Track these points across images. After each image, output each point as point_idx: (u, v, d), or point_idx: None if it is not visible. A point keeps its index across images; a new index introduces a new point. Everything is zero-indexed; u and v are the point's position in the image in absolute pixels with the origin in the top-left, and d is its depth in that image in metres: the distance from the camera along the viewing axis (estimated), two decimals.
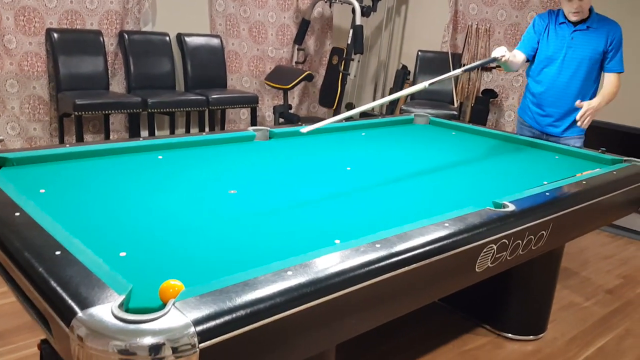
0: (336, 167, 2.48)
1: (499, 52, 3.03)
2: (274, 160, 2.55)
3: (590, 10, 3.11)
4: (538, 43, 3.27)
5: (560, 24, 3.17)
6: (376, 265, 1.46)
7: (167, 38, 5.05)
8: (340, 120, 2.74)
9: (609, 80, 3.12)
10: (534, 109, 3.36)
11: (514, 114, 5.59)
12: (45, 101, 4.57)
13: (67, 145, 2.30)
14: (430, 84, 2.80)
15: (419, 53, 5.83)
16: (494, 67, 5.57)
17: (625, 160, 2.83)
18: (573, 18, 3.09)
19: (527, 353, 2.59)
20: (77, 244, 1.42)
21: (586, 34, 3.12)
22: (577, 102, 2.99)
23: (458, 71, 3.00)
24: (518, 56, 3.26)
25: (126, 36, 4.81)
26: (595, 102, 3.00)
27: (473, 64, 3.12)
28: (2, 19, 4.24)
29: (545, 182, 2.38)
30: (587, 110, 2.93)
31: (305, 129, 2.41)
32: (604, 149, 2.99)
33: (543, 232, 2.09)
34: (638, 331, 2.88)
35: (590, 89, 3.17)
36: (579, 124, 2.97)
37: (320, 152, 2.75)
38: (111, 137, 4.83)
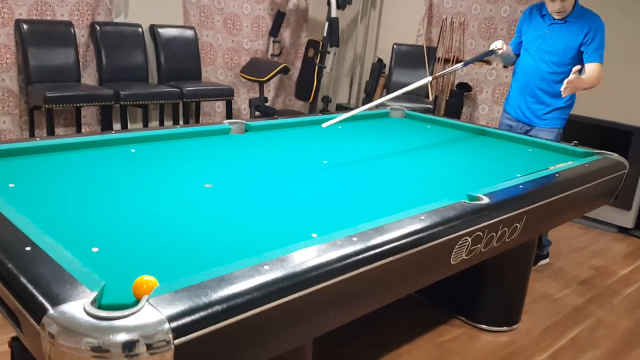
0: (313, 161, 2.47)
1: (497, 45, 3.19)
2: (250, 153, 2.53)
3: (575, 4, 3.13)
4: (521, 37, 3.35)
5: (543, 16, 3.22)
6: (353, 259, 1.46)
7: (140, 29, 4.97)
8: (373, 108, 2.87)
9: (590, 68, 3.11)
10: (514, 98, 3.41)
11: (487, 107, 5.64)
12: (14, 94, 4.47)
13: (38, 139, 2.25)
14: (434, 77, 2.98)
15: (395, 46, 5.84)
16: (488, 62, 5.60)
17: (597, 153, 2.88)
18: (557, 17, 3.14)
19: (501, 344, 2.63)
20: (48, 240, 1.38)
21: (563, 27, 3.16)
22: (574, 69, 2.93)
23: (459, 65, 3.09)
24: (511, 51, 3.37)
25: (98, 27, 4.72)
26: (583, 77, 3.03)
27: (472, 57, 3.22)
28: None
29: (519, 175, 2.40)
30: (571, 81, 2.92)
31: (325, 123, 2.59)
32: (576, 142, 3.03)
33: (517, 224, 2.12)
34: (610, 321, 2.93)
35: (562, 82, 3.19)
36: (562, 88, 2.97)
37: (296, 146, 2.74)
38: (83, 130, 4.74)
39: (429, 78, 3.01)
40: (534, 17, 3.27)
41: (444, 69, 5.75)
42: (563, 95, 3.00)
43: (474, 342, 2.62)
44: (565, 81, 2.94)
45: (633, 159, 3.70)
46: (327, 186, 2.15)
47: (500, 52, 3.21)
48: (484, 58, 3.32)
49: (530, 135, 3.24)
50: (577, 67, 2.93)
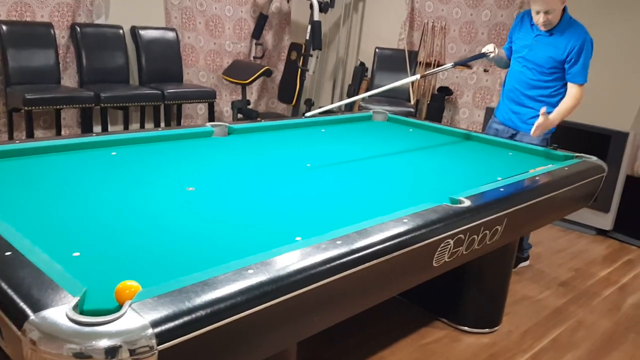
0: (296, 164, 2.47)
1: (488, 48, 3.23)
2: (233, 156, 2.52)
3: (564, 15, 3.08)
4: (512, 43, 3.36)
5: (531, 25, 3.19)
6: (337, 262, 1.46)
7: (121, 31, 4.93)
8: (358, 101, 3.05)
9: (568, 92, 3.11)
10: (502, 102, 3.43)
11: (468, 110, 5.69)
12: None
13: (17, 142, 2.22)
14: (423, 76, 3.06)
15: (377, 50, 5.87)
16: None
17: (576, 157, 2.92)
18: (543, 29, 3.11)
19: (482, 346, 2.65)
20: (28, 245, 1.37)
21: (547, 40, 3.12)
22: (542, 110, 2.98)
23: (448, 65, 3.12)
24: (504, 54, 3.38)
25: (78, 29, 4.67)
26: (551, 117, 3.03)
27: (464, 59, 3.25)
28: None
29: (500, 178, 2.42)
30: (541, 123, 2.97)
31: (309, 113, 2.76)
32: (556, 145, 3.07)
33: (498, 227, 2.14)
34: (590, 322, 2.97)
35: (548, 96, 3.18)
36: (531, 131, 3.03)
37: (280, 149, 2.74)
38: (63, 132, 4.69)
39: (417, 76, 3.06)
40: (524, 24, 3.25)
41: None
42: (533, 136, 3.04)
43: (456, 344, 2.64)
44: (534, 125, 2.99)
45: (611, 162, 3.76)
46: (311, 189, 2.15)
47: (492, 55, 3.24)
48: (475, 60, 3.36)
49: (516, 140, 3.26)
50: (544, 108, 2.96)
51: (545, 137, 3.25)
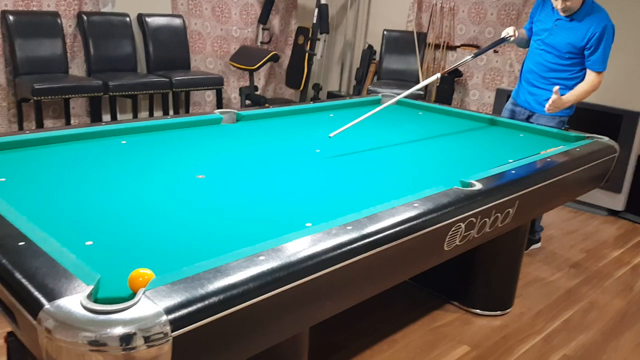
0: (305, 150, 2.47)
1: (508, 32, 3.19)
2: (242, 143, 2.52)
3: (586, 0, 3.02)
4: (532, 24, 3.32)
5: (552, 9, 3.13)
6: (348, 247, 1.47)
7: (128, 19, 4.92)
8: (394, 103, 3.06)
9: (586, 77, 3.08)
10: (519, 83, 3.39)
11: (478, 92, 5.65)
12: (2, 86, 4.42)
13: (27, 132, 2.23)
14: (443, 74, 3.15)
15: (385, 32, 5.82)
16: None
17: (588, 137, 2.89)
18: (563, 14, 3.05)
19: (494, 328, 2.65)
20: (42, 234, 1.38)
21: (567, 26, 3.07)
22: (555, 88, 2.97)
23: (468, 58, 3.12)
24: (525, 34, 3.34)
25: (85, 17, 4.66)
26: (565, 97, 3.02)
27: (483, 48, 3.25)
28: None
29: (511, 160, 2.41)
30: (554, 101, 2.96)
31: (333, 133, 2.59)
32: (567, 126, 3.04)
33: (509, 209, 2.13)
34: (601, 303, 2.97)
35: (565, 79, 3.14)
36: (545, 107, 3.02)
37: (288, 135, 2.73)
38: (72, 122, 4.71)
39: (438, 75, 3.03)
40: (545, 7, 3.20)
41: (436, 55, 5.75)
42: (547, 111, 3.03)
43: (468, 327, 2.64)
44: (549, 101, 2.98)
45: (623, 142, 3.73)
46: (320, 175, 2.15)
47: (512, 39, 3.20)
48: (496, 46, 3.34)
49: (531, 122, 3.23)
50: (556, 87, 2.94)
51: (562, 119, 3.22)
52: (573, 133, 2.94)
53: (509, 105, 3.45)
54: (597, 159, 2.69)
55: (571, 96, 3.06)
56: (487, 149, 2.74)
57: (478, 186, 1.99)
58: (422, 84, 3.04)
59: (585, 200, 4.28)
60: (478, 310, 2.75)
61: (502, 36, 3.22)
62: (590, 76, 3.07)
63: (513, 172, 2.22)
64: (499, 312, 2.77)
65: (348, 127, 2.62)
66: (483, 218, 1.98)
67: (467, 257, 2.40)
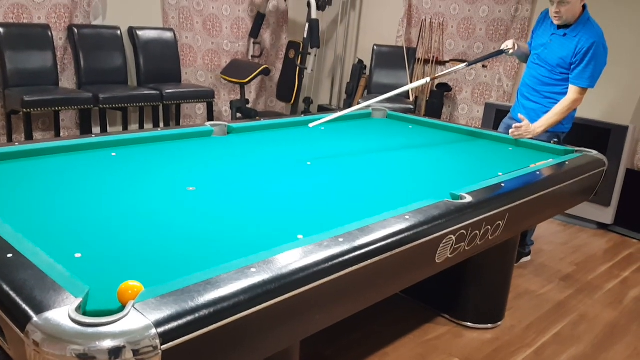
0: (296, 162, 2.47)
1: (507, 45, 3.22)
2: (233, 155, 2.52)
3: (582, 15, 3.03)
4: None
5: (551, 23, 3.16)
6: (340, 259, 1.46)
7: (119, 32, 4.92)
8: (363, 108, 3.23)
9: (567, 94, 3.07)
10: (518, 99, 3.41)
11: (467, 107, 5.69)
12: None
13: (16, 144, 2.22)
14: (433, 78, 3.28)
15: (375, 47, 5.86)
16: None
17: (576, 151, 2.92)
18: (555, 22, 3.07)
19: (485, 341, 2.65)
20: (30, 246, 1.37)
21: (561, 40, 3.09)
22: (520, 116, 3.05)
23: (461, 66, 3.14)
24: (527, 49, 3.37)
25: (76, 30, 4.66)
26: (535, 125, 3.05)
27: (479, 58, 3.27)
28: None
29: (500, 174, 2.42)
30: (521, 130, 3.02)
31: (312, 123, 2.73)
32: (555, 139, 3.06)
33: (499, 222, 2.14)
34: (592, 316, 2.97)
35: (557, 93, 3.15)
36: (510, 131, 3.06)
37: (279, 147, 2.73)
38: (62, 134, 4.68)
39: (428, 79, 3.07)
40: (545, 22, 3.22)
41: (425, 70, 5.79)
42: (511, 135, 3.06)
43: (459, 340, 2.64)
44: (514, 126, 3.03)
45: (611, 156, 3.76)
46: (312, 187, 2.15)
47: (511, 52, 3.22)
48: (492, 58, 3.36)
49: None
50: (522, 117, 3.03)
51: (557, 135, 3.22)
52: (562, 147, 2.96)
53: (506, 119, 3.48)
54: (586, 172, 2.71)
55: (545, 120, 3.06)
56: (476, 162, 2.75)
57: (468, 199, 2.00)
58: (411, 85, 3.11)
59: (575, 214, 4.30)
60: (469, 323, 2.74)
61: (501, 48, 3.25)
62: (571, 91, 3.05)
63: (503, 185, 2.24)
64: (489, 325, 2.76)
65: (328, 119, 2.83)
66: (473, 230, 1.98)
67: (457, 269, 2.40)
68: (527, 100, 3.30)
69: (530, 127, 3.03)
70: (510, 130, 3.05)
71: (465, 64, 3.14)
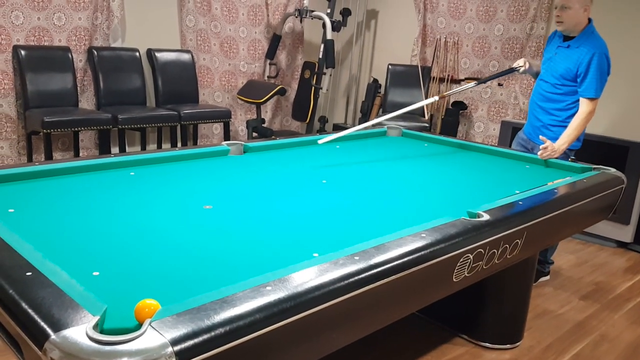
0: (312, 181, 2.48)
1: (519, 63, 3.33)
2: (249, 174, 2.53)
3: (586, 28, 3.08)
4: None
5: (558, 38, 3.22)
6: (355, 278, 1.46)
7: (137, 54, 5.00)
8: (367, 127, 3.33)
9: (579, 108, 3.08)
10: (529, 116, 3.43)
11: (483, 125, 5.67)
12: (12, 119, 4.48)
13: (37, 164, 2.25)
14: (442, 97, 3.43)
15: (389, 66, 5.88)
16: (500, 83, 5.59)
17: (594, 169, 2.89)
18: (558, 27, 3.14)
19: None
20: (49, 265, 1.38)
21: (566, 52, 3.14)
22: (541, 137, 3.05)
23: (470, 85, 3.20)
24: (540, 67, 3.40)
25: (95, 52, 4.75)
26: (558, 144, 3.04)
27: (490, 76, 3.33)
28: None
29: (518, 192, 2.40)
30: (548, 151, 3.01)
31: (322, 140, 2.86)
32: (573, 157, 3.04)
33: (518, 240, 2.12)
34: (612, 336, 2.92)
35: (559, 109, 3.18)
36: (538, 154, 3.05)
37: (295, 166, 2.74)
38: (81, 154, 4.74)
39: (436, 97, 3.11)
40: (554, 40, 3.28)
41: (440, 88, 5.80)
42: (540, 157, 3.05)
43: None
44: (540, 150, 3.04)
45: (630, 173, 3.71)
46: (327, 205, 2.15)
47: (522, 69, 3.29)
48: (503, 76, 3.45)
49: (534, 153, 3.22)
50: (544, 139, 3.02)
51: (567, 152, 3.20)
52: (579, 164, 2.94)
53: (517, 138, 3.49)
54: (605, 190, 2.68)
55: (567, 136, 3.06)
56: (493, 179, 2.74)
57: (486, 217, 1.98)
58: (420, 103, 3.22)
59: (594, 232, 4.24)
60: (487, 344, 2.71)
61: (512, 66, 3.29)
62: (582, 105, 3.07)
63: (520, 203, 2.22)
64: (508, 346, 2.72)
65: (338, 136, 2.98)
66: (491, 249, 1.97)
67: (475, 289, 2.38)
68: (534, 118, 3.33)
69: (555, 147, 3.03)
70: (539, 153, 3.05)
71: (475, 82, 3.18)
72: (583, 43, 3.07)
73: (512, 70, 3.30)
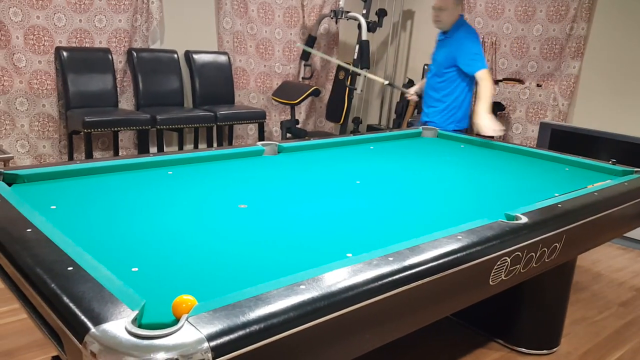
0: (345, 181, 2.48)
1: (409, 91, 4.20)
2: (283, 174, 2.54)
3: (458, 20, 3.59)
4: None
5: (439, 35, 3.76)
6: (389, 279, 1.45)
7: (175, 55, 5.09)
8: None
9: (481, 83, 3.46)
10: (423, 106, 3.94)
11: (521, 126, 5.58)
12: (54, 119, 4.60)
13: (77, 162, 2.31)
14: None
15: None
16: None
17: (636, 172, 2.81)
18: (435, 25, 3.66)
19: None
20: (89, 260, 1.41)
21: (443, 43, 3.69)
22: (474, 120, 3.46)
23: (364, 71, 3.95)
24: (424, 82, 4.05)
25: (135, 54, 4.85)
26: (479, 110, 3.39)
27: (398, 86, 3.93)
28: (12, 38, 4.29)
29: (557, 194, 2.36)
30: (478, 124, 3.37)
31: (299, 44, 3.08)
32: (614, 160, 2.97)
33: (556, 244, 2.07)
34: None
35: (447, 91, 3.67)
36: (489, 134, 3.38)
37: (329, 166, 2.75)
38: (120, 153, 4.85)
39: (387, 82, 3.97)
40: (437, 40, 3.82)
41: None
42: (490, 134, 3.38)
43: None
44: (482, 128, 3.38)
45: None
46: (361, 206, 2.15)
47: (412, 98, 4.16)
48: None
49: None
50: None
51: (461, 131, 3.70)
52: (620, 167, 2.87)
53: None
54: None
55: (483, 104, 3.40)
56: (531, 182, 2.69)
57: (524, 220, 1.95)
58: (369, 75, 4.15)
59: (634, 237, 4.13)
60: (523, 349, 2.66)
61: (406, 95, 4.16)
62: (479, 78, 3.48)
63: (559, 206, 2.17)
64: (545, 351, 2.67)
65: (316, 52, 3.27)
66: (529, 252, 1.93)
67: (512, 293, 2.34)
68: (427, 107, 3.84)
69: (480, 125, 3.38)
70: (484, 132, 3.40)
71: (365, 70, 3.79)
72: (455, 32, 3.60)
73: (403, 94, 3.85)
